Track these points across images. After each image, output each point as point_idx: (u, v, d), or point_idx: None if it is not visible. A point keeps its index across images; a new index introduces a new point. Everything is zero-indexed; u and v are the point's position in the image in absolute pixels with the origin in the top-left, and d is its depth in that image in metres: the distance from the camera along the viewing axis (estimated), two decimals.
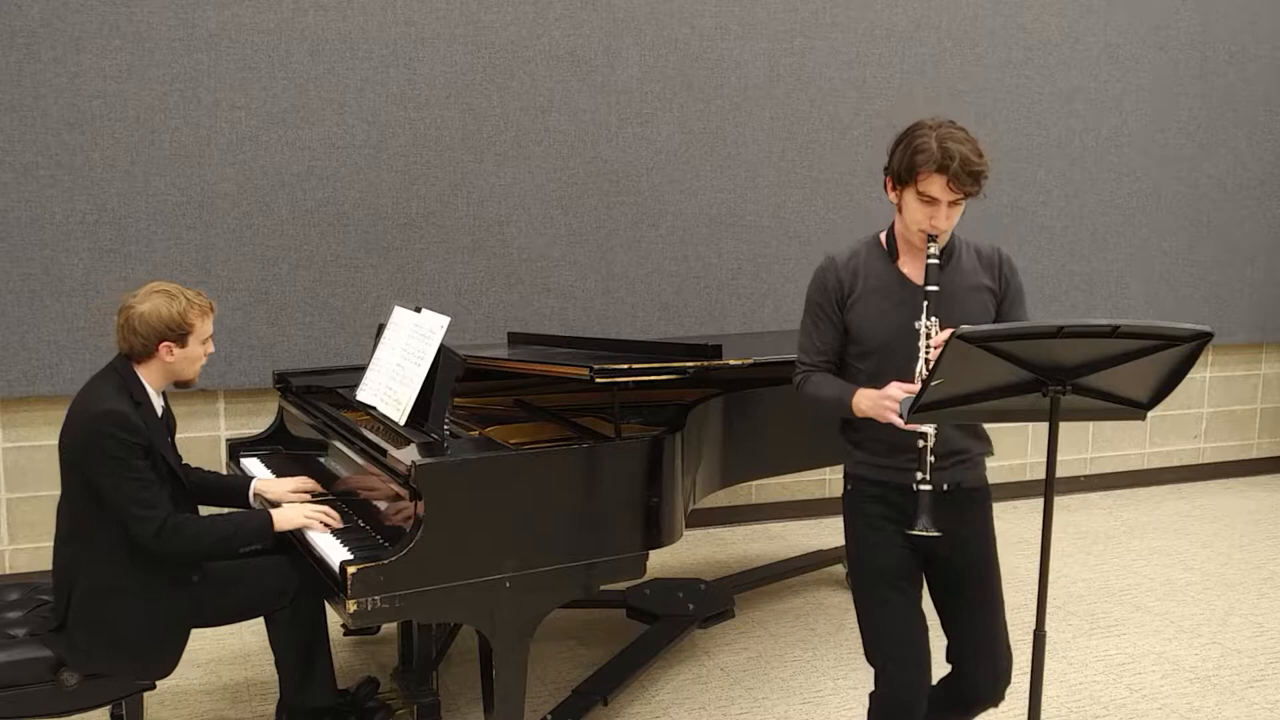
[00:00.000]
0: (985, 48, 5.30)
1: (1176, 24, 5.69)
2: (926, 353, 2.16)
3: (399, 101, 4.38)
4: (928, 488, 2.14)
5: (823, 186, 5.08)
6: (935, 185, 2.17)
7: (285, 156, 4.26)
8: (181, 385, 2.72)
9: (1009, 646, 2.37)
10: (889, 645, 2.31)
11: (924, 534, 2.12)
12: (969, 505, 2.34)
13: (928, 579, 2.39)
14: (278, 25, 4.19)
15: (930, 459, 2.16)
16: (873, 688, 2.35)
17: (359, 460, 2.83)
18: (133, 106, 4.06)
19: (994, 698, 2.36)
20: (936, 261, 2.20)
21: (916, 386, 2.11)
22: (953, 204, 2.20)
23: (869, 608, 2.35)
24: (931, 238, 2.21)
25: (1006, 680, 2.36)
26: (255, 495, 2.97)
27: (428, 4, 4.38)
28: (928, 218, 2.20)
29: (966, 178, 2.16)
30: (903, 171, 2.21)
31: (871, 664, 2.34)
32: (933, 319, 2.17)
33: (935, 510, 2.16)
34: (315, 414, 3.22)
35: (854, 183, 5.12)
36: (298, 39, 4.22)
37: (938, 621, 2.39)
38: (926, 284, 2.19)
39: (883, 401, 2.16)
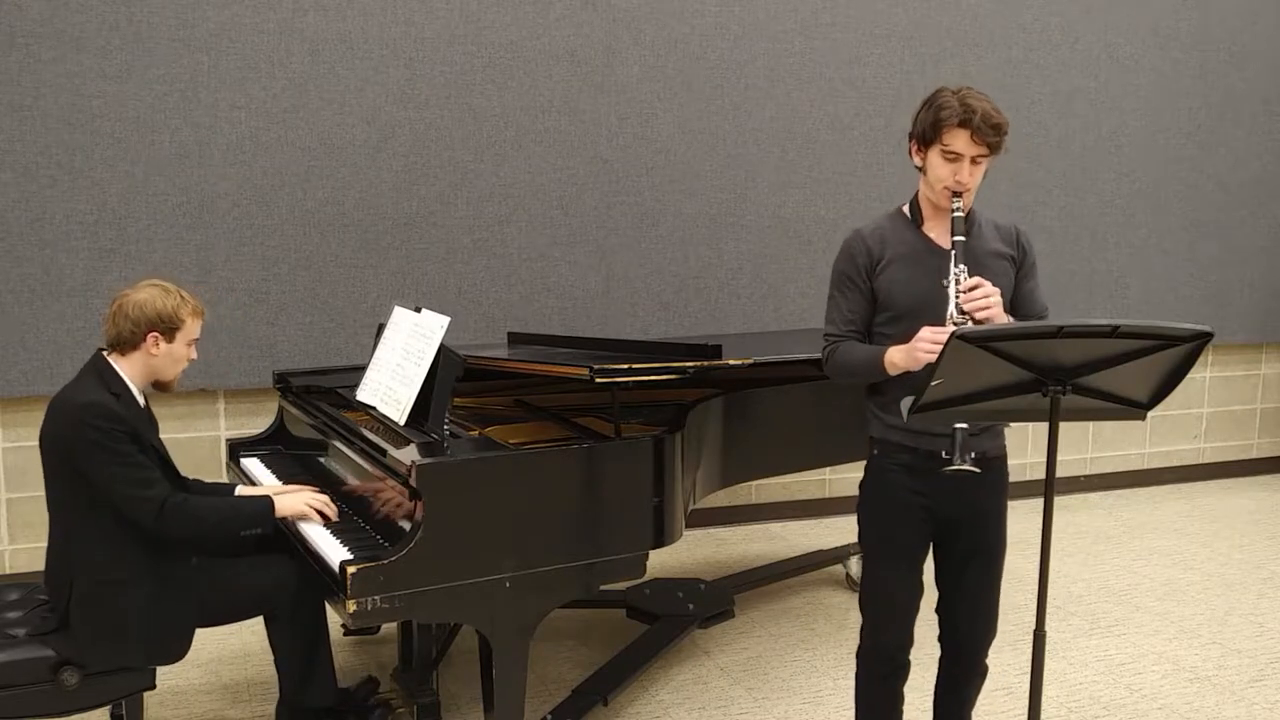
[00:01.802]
0: (985, 48, 5.30)
1: (1176, 24, 5.69)
2: (957, 298, 2.20)
3: (399, 101, 4.38)
4: (964, 426, 2.17)
5: (823, 186, 5.08)
6: (959, 140, 2.26)
7: (285, 156, 4.26)
8: (160, 387, 2.71)
9: (996, 611, 2.48)
10: (883, 606, 2.44)
11: (961, 468, 2.14)
12: (991, 471, 2.40)
13: (937, 540, 2.44)
14: (278, 25, 4.19)
15: None
16: (859, 644, 2.49)
17: (359, 460, 2.83)
18: (133, 106, 4.06)
19: (981, 653, 2.49)
20: (961, 215, 2.28)
21: (948, 329, 2.13)
22: (975, 160, 2.29)
23: (875, 574, 2.46)
24: (956, 194, 2.28)
25: (991, 637, 2.49)
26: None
27: (428, 4, 4.38)
28: (952, 174, 2.28)
29: (989, 130, 2.26)
30: (927, 130, 2.31)
31: (863, 616, 2.48)
32: (962, 267, 2.23)
33: (958, 474, 2.22)
34: (315, 414, 3.22)
35: (854, 183, 5.12)
36: (298, 39, 4.22)
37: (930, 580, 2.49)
38: (953, 234, 2.26)
39: (917, 345, 2.19)
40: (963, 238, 2.26)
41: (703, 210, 4.90)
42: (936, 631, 2.52)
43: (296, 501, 2.77)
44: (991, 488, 2.41)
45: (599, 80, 4.67)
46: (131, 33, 4.03)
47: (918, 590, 2.44)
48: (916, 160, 2.38)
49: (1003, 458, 2.45)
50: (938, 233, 2.38)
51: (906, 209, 2.45)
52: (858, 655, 2.51)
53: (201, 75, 4.12)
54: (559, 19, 4.57)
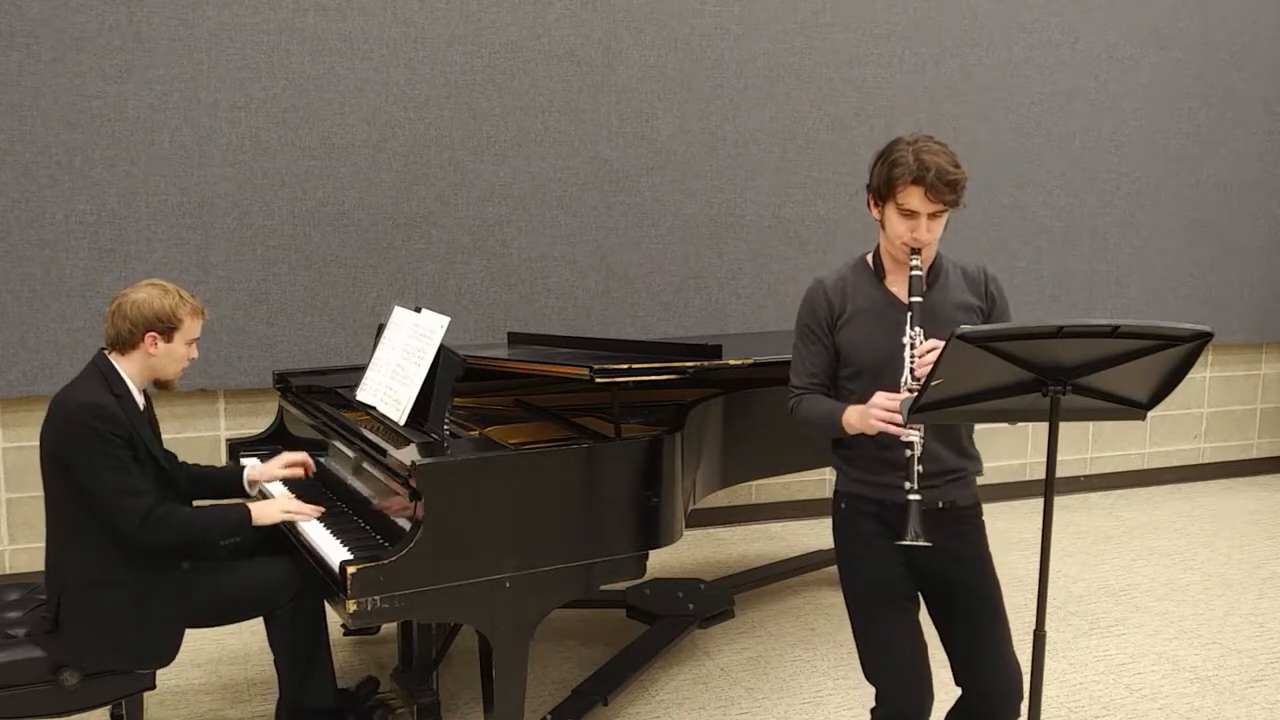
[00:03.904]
0: (985, 48, 5.30)
1: (1176, 24, 5.69)
2: (912, 363, 2.16)
3: (399, 101, 4.38)
4: (916, 498, 2.11)
5: (823, 186, 5.08)
6: (914, 197, 2.18)
7: (285, 156, 4.26)
8: (161, 386, 2.71)
9: (1017, 662, 2.29)
10: (890, 666, 2.29)
11: (915, 544, 2.08)
12: (964, 522, 2.34)
13: (927, 602, 2.36)
14: (278, 25, 4.19)
15: (918, 468, 2.14)
16: (874, 704, 2.33)
17: (359, 460, 2.83)
18: (133, 106, 4.06)
19: (1007, 714, 2.28)
20: (920, 274, 2.22)
21: (902, 396, 2.12)
22: (933, 216, 2.21)
23: (866, 628, 2.33)
24: (915, 251, 2.22)
25: (1019, 696, 2.27)
26: (251, 484, 2.96)
27: (428, 4, 4.38)
28: (909, 230, 2.21)
29: (944, 187, 2.17)
30: (882, 187, 2.24)
31: (872, 684, 2.32)
32: (917, 329, 2.18)
33: (928, 524, 2.12)
34: (315, 414, 3.22)
35: (854, 183, 5.11)
36: (298, 39, 4.22)
37: (938, 640, 2.35)
38: (910, 295, 2.20)
39: (870, 411, 2.15)
40: (919, 299, 2.19)
41: (703, 210, 4.90)
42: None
43: (273, 510, 2.76)
44: (965, 536, 2.32)
45: (599, 80, 4.67)
46: (131, 33, 4.03)
47: (919, 638, 2.29)
48: (874, 214, 2.30)
49: (975, 505, 2.37)
50: (899, 287, 2.31)
51: (870, 259, 2.39)
52: (872, 714, 2.32)
53: (201, 75, 4.12)
54: (559, 19, 4.57)
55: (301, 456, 3.01)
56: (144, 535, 2.51)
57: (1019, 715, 2.28)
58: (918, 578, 2.32)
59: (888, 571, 2.30)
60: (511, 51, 4.52)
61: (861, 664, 2.34)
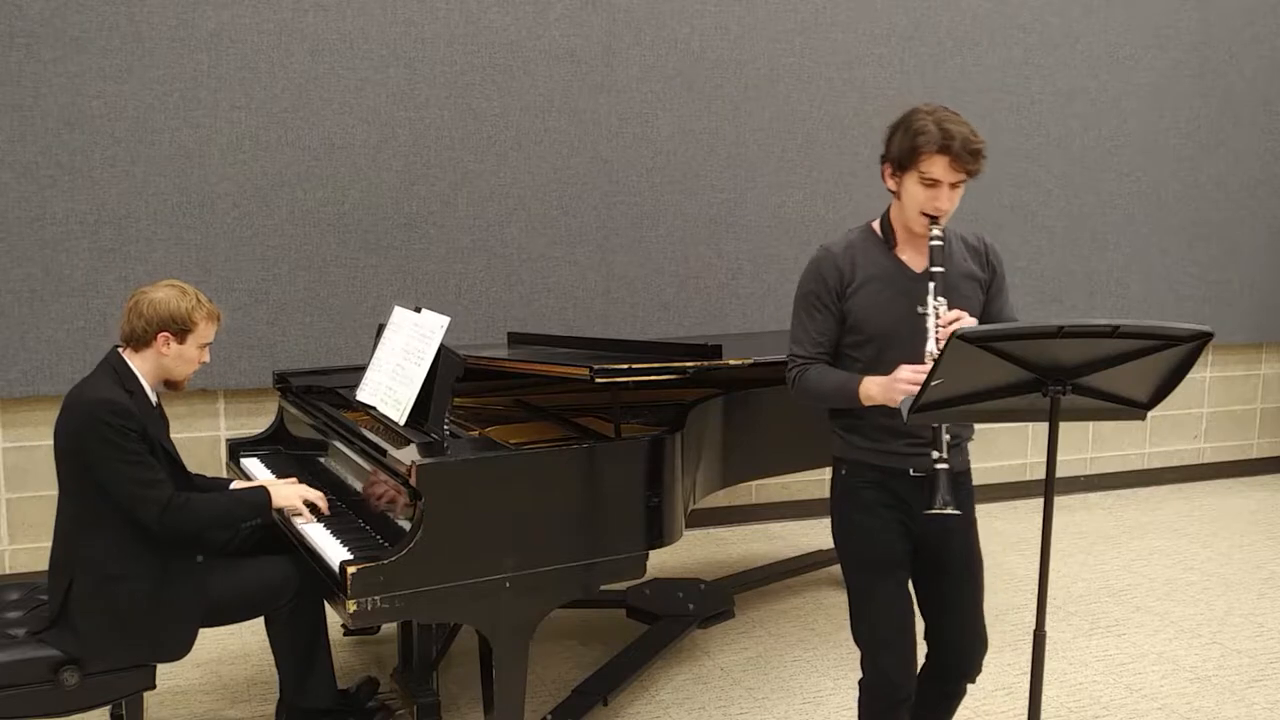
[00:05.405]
0: (985, 48, 5.30)
1: (1176, 24, 5.69)
2: (936, 332, 2.15)
3: (399, 101, 4.38)
4: (944, 466, 2.12)
5: (823, 186, 5.08)
6: (938, 166, 2.19)
7: (285, 156, 4.26)
8: (171, 386, 2.74)
9: (984, 622, 2.43)
10: (882, 632, 2.34)
11: (943, 512, 2.10)
12: (958, 488, 2.34)
13: (913, 563, 2.41)
14: (278, 25, 4.19)
15: (946, 437, 2.15)
16: (861, 675, 2.39)
17: (359, 460, 2.83)
18: (133, 106, 4.06)
19: (974, 671, 2.43)
20: (941, 244, 2.22)
21: (928, 367, 2.12)
22: (954, 186, 2.22)
23: (862, 595, 2.38)
24: (934, 220, 2.23)
25: (984, 651, 2.43)
26: None
27: (428, 4, 4.38)
28: (931, 200, 2.22)
29: (968, 156, 2.19)
30: (904, 156, 2.23)
31: (860, 647, 2.38)
32: (940, 299, 2.18)
33: (925, 490, 2.16)
34: (315, 414, 3.22)
35: (854, 183, 5.11)
36: (298, 39, 4.22)
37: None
38: (932, 265, 2.20)
39: (894, 384, 2.16)
40: (941, 269, 2.19)
41: (703, 210, 4.90)
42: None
43: (291, 493, 2.80)
44: (959, 503, 2.32)
45: (599, 80, 4.67)
46: (131, 33, 4.03)
47: (909, 606, 2.36)
48: (890, 184, 2.30)
49: (967, 471, 2.42)
50: (909, 255, 2.32)
51: (877, 227, 2.39)
52: (860, 685, 2.41)
53: (201, 75, 4.12)
54: (559, 19, 4.57)
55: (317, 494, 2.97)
56: (167, 523, 2.53)
57: (980, 670, 2.43)
58: (910, 542, 2.37)
59: (887, 542, 2.34)
60: (511, 51, 4.52)
61: (852, 625, 2.41)
